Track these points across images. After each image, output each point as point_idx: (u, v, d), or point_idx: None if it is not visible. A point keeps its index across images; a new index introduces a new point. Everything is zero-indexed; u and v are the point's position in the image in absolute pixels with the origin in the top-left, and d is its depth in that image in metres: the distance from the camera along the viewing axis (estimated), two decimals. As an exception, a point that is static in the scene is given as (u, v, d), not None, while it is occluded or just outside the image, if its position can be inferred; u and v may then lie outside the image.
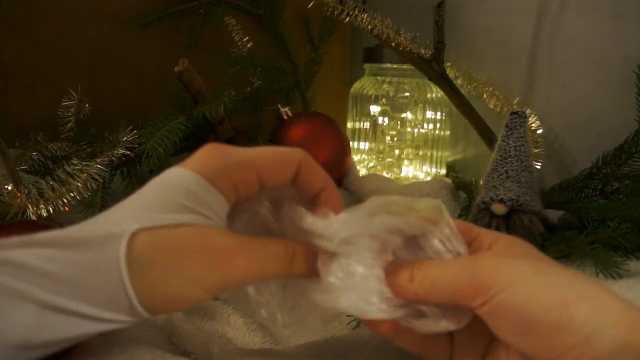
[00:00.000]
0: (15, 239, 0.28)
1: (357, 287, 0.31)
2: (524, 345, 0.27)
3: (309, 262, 0.32)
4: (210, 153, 0.31)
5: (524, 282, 0.27)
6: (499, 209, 0.54)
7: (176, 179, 0.30)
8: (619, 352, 0.24)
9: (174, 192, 0.30)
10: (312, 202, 0.34)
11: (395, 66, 0.80)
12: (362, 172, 0.82)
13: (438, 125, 0.82)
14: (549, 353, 0.26)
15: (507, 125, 0.57)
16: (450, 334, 0.33)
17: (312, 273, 0.32)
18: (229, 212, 0.32)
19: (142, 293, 0.28)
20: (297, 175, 0.33)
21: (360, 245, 0.31)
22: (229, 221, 0.33)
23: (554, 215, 0.58)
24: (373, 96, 0.82)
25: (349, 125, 0.85)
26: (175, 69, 0.59)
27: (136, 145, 0.57)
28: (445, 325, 0.30)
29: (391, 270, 0.31)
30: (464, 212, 0.67)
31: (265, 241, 0.32)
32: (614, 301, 0.26)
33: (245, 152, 0.32)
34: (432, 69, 0.70)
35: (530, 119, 0.70)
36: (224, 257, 0.29)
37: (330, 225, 0.32)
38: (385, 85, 0.82)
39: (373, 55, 0.82)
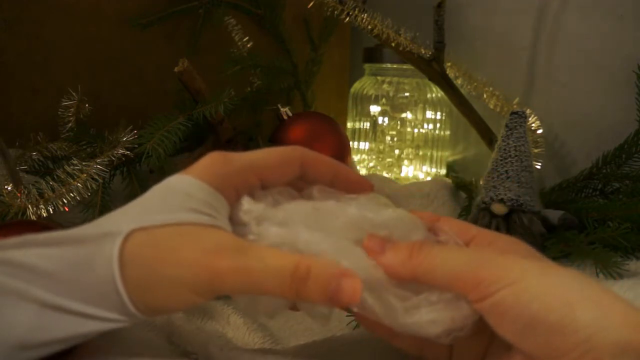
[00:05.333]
0: (14, 239, 0.28)
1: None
2: (524, 344, 0.27)
3: (328, 290, 0.28)
4: (212, 160, 0.32)
5: (528, 281, 0.27)
6: (499, 208, 0.54)
7: (179, 185, 0.31)
8: (620, 354, 0.24)
9: (177, 196, 0.30)
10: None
11: (395, 66, 0.80)
12: (362, 172, 0.82)
13: (438, 125, 0.82)
14: (549, 352, 0.26)
15: (507, 125, 0.57)
16: None
17: (330, 303, 0.28)
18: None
19: (133, 293, 0.28)
20: (303, 171, 0.34)
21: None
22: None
23: (553, 215, 0.58)
24: (373, 96, 0.82)
25: (349, 125, 0.85)
26: (175, 69, 0.59)
27: (136, 145, 0.57)
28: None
29: (383, 248, 0.30)
30: (464, 212, 0.67)
31: (272, 253, 0.29)
32: (617, 303, 0.26)
33: (246, 156, 0.32)
34: (432, 69, 0.70)
35: (530, 119, 0.70)
36: (211, 259, 0.28)
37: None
38: (385, 85, 0.82)
39: (373, 55, 0.82)
